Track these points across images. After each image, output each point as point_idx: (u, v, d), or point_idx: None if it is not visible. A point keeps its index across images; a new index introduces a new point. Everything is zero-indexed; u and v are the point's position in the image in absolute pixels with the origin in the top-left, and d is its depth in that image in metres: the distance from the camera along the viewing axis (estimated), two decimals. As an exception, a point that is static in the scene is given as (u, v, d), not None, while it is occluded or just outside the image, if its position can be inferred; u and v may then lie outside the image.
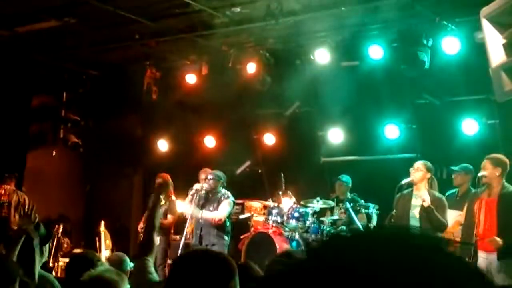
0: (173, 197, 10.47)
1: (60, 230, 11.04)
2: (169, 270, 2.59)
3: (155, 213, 4.79)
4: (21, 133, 12.74)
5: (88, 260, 4.39)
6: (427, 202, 7.60)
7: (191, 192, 9.84)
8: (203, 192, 9.62)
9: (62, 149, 13.23)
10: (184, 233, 9.93)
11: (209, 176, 9.64)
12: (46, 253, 4.86)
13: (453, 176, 8.80)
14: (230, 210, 9.59)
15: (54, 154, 13.20)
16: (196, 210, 9.52)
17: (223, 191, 9.64)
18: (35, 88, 12.95)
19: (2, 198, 11.28)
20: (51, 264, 10.27)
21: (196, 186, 9.82)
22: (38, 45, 11.39)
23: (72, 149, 13.13)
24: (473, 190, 8.05)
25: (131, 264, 5.75)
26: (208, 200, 9.63)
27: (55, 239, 10.76)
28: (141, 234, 9.99)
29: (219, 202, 9.48)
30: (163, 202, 10.37)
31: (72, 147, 13.08)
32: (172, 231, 10.54)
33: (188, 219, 10.29)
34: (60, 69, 12.93)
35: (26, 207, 11.53)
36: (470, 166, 8.59)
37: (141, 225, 10.23)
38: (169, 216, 10.25)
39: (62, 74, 13.07)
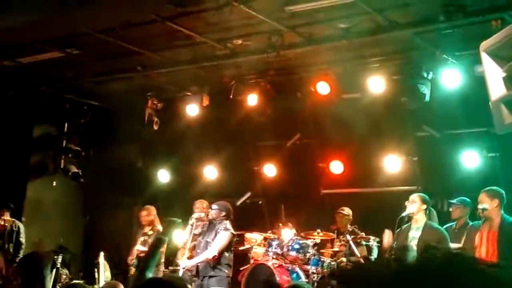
0: (159, 226, 10.47)
1: (59, 261, 10.95)
2: None
3: (153, 259, 4.78)
4: (22, 162, 12.74)
5: None
6: None
7: (190, 222, 9.82)
8: (201, 222, 9.59)
9: (62, 179, 13.23)
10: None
11: (213, 206, 9.59)
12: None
13: (451, 209, 8.79)
14: (227, 243, 9.43)
15: (54, 184, 13.19)
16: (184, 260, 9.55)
17: (224, 222, 9.54)
18: (37, 118, 13.00)
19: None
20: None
21: (195, 215, 9.80)
22: (41, 75, 11.46)
23: (73, 179, 13.13)
24: (471, 223, 8.05)
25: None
26: (208, 230, 9.55)
27: (54, 270, 10.66)
28: (131, 267, 10.01)
29: (216, 233, 9.41)
30: (150, 232, 10.39)
31: (72, 177, 13.08)
32: (162, 261, 10.49)
33: (186, 250, 10.24)
34: (61, 100, 12.98)
35: (22, 237, 11.50)
36: (468, 199, 8.61)
37: (130, 258, 10.25)
38: None
39: (64, 104, 13.13)
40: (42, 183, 13.07)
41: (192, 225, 10.35)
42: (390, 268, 1.17)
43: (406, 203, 8.02)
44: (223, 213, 9.50)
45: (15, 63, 10.78)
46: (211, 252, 9.18)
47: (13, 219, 11.54)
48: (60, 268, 11.11)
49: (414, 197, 8.06)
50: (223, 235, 9.27)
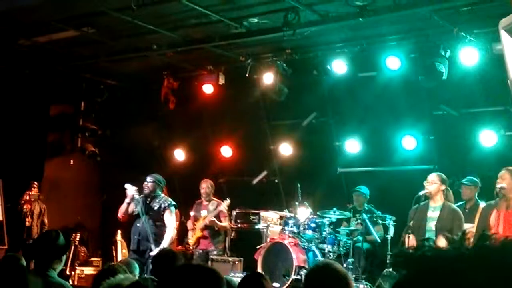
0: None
1: (77, 239, 11.09)
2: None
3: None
4: (39, 142, 12.84)
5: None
6: None
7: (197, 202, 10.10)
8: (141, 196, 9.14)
9: (79, 158, 13.33)
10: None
11: (149, 179, 9.19)
12: (63, 262, 4.90)
13: (461, 189, 8.76)
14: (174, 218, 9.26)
15: (71, 163, 13.29)
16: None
17: (163, 196, 9.23)
18: (54, 97, 13.07)
19: (25, 206, 11.42)
20: (68, 272, 10.31)
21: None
22: (57, 55, 11.48)
23: (89, 158, 13.22)
24: (484, 203, 8.00)
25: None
26: (149, 204, 9.11)
27: (72, 247, 10.81)
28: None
29: (160, 208, 9.01)
30: None
31: (89, 156, 13.18)
32: (175, 238, 10.58)
33: (197, 230, 10.32)
34: (78, 79, 13.03)
35: (46, 216, 11.70)
36: (477, 179, 8.60)
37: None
38: None
39: (80, 83, 13.18)
40: (60, 162, 13.18)
41: (200, 204, 10.42)
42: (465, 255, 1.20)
43: (425, 182, 7.98)
44: (160, 185, 9.24)
45: (31, 43, 10.82)
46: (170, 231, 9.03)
47: (38, 194, 11.71)
48: (78, 246, 11.26)
49: (434, 177, 8.01)
50: (169, 212, 9.04)
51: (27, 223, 11.41)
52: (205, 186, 10.40)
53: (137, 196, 9.04)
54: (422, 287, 1.18)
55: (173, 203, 9.18)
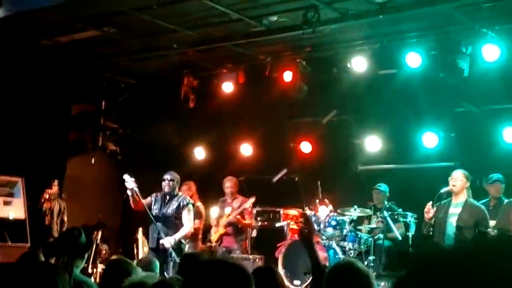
0: (198, 203, 10.55)
1: (99, 237, 11.17)
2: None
3: None
4: (61, 140, 12.95)
5: (122, 268, 4.44)
6: None
7: (222, 199, 10.02)
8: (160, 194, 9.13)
9: (100, 157, 13.42)
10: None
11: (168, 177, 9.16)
12: (85, 259, 4.95)
13: (486, 186, 8.71)
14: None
15: (93, 162, 13.40)
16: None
17: (181, 194, 9.24)
18: (75, 96, 13.18)
19: (45, 205, 11.53)
20: (90, 270, 10.39)
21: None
22: (78, 54, 11.58)
23: (110, 157, 13.32)
24: (506, 200, 7.97)
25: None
26: (168, 202, 9.10)
27: (94, 245, 10.90)
28: None
29: (179, 207, 9.00)
30: None
31: (110, 154, 13.28)
32: (200, 236, 10.61)
33: (220, 227, 10.35)
34: (99, 78, 13.13)
35: (66, 214, 11.80)
36: (502, 176, 8.57)
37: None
38: (196, 221, 10.37)
39: (101, 82, 13.27)
40: (81, 160, 13.28)
41: (224, 202, 10.45)
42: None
43: (450, 179, 7.94)
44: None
45: (53, 42, 10.92)
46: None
47: (58, 192, 11.81)
48: (100, 244, 11.34)
49: (459, 174, 7.98)
50: (187, 210, 9.06)
51: (46, 222, 11.52)
52: (230, 183, 10.42)
53: (154, 195, 9.06)
54: (420, 286, 1.19)
55: (192, 201, 9.21)
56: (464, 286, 1.14)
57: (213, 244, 10.30)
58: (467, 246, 1.21)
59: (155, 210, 8.99)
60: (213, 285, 2.34)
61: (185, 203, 9.02)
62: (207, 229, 10.85)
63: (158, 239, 8.83)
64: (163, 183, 9.05)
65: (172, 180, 9.03)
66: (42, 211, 11.57)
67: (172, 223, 8.90)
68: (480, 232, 7.35)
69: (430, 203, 7.87)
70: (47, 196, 11.62)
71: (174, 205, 8.98)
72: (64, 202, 11.98)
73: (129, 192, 8.87)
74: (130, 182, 8.77)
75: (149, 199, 9.10)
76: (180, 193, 9.21)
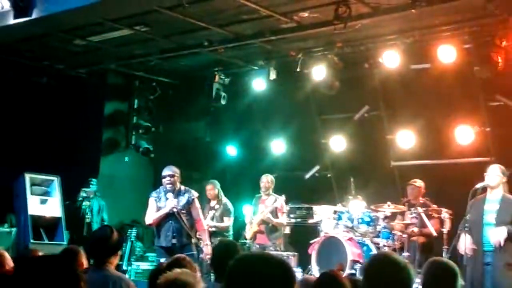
0: (226, 200, 10.56)
1: (133, 235, 11.26)
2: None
3: None
4: (94, 139, 13.10)
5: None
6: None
7: (257, 195, 9.99)
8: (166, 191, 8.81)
9: (133, 155, 13.55)
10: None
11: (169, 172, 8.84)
12: (118, 256, 5.01)
13: None
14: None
15: (126, 160, 13.52)
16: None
17: (185, 188, 8.92)
18: (108, 95, 13.32)
19: (84, 203, 11.68)
20: (124, 268, 10.49)
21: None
22: (110, 53, 11.69)
23: (143, 155, 13.43)
24: None
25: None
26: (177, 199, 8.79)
27: (129, 243, 11.00)
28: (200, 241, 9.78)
29: (188, 202, 8.76)
30: (217, 206, 10.48)
31: (143, 152, 13.39)
32: (230, 233, 10.61)
33: (248, 224, 10.36)
34: (131, 77, 13.24)
35: (105, 212, 11.94)
36: None
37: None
38: (225, 219, 10.38)
39: (133, 81, 13.39)
40: (114, 158, 13.41)
41: (258, 199, 10.45)
42: None
43: (485, 174, 7.79)
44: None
45: (86, 42, 11.03)
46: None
47: (95, 191, 11.94)
48: (134, 241, 11.44)
49: (496, 169, 7.80)
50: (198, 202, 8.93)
51: (87, 220, 11.65)
52: (265, 180, 10.39)
53: (155, 196, 8.86)
54: None
55: (197, 194, 8.97)
56: None
57: (248, 240, 10.31)
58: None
59: (163, 208, 8.72)
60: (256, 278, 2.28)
61: (193, 197, 8.78)
62: (236, 226, 10.87)
63: (174, 237, 8.58)
64: (164, 181, 8.75)
65: (172, 175, 8.74)
66: (81, 209, 11.70)
67: (187, 219, 8.63)
68: None
69: None
70: (85, 194, 11.75)
71: (183, 200, 8.71)
72: (102, 200, 12.11)
73: (167, 211, 8.61)
74: (173, 201, 8.61)
75: (154, 204, 8.84)
76: (183, 187, 8.89)
